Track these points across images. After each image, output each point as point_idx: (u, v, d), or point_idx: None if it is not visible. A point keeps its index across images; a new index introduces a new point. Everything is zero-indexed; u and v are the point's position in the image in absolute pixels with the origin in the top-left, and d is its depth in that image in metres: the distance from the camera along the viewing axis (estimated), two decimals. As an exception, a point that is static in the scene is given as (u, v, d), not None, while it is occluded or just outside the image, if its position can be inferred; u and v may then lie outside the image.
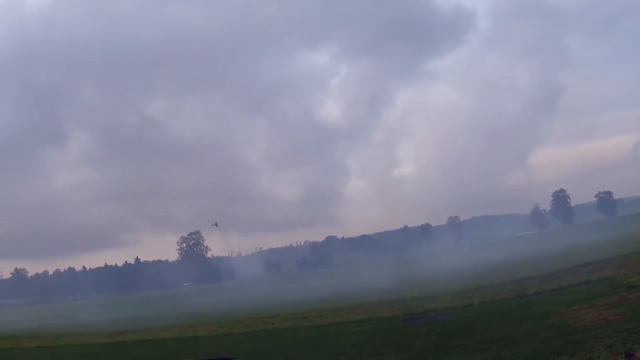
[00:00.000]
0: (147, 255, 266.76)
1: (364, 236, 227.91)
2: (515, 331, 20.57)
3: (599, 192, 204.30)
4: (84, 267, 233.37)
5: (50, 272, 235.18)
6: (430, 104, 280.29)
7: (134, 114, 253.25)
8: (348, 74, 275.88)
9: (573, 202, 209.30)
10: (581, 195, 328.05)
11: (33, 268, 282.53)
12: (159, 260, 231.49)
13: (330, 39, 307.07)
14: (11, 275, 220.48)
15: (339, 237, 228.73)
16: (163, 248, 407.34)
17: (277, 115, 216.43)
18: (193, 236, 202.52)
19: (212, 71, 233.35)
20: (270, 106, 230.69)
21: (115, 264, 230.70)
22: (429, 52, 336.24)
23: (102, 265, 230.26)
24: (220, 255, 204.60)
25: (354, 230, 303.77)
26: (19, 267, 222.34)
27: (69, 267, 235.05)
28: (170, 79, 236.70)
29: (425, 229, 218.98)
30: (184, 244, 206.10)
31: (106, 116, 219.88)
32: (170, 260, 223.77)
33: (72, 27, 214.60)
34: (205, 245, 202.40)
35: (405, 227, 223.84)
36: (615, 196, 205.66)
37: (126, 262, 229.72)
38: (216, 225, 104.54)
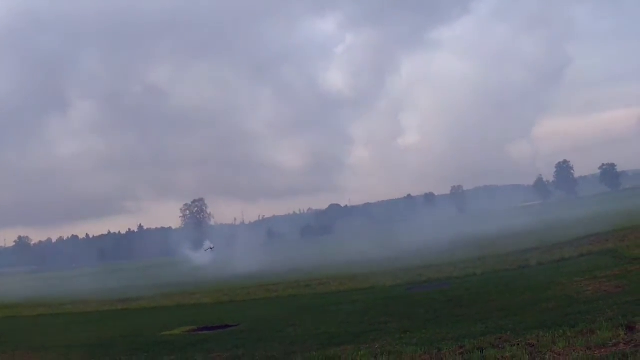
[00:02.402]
0: (150, 223, 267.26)
1: (367, 204, 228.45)
2: (516, 302, 20.64)
3: (603, 164, 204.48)
4: (87, 235, 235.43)
5: (54, 240, 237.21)
6: (435, 73, 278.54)
7: (137, 82, 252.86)
8: (353, 43, 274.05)
9: (576, 173, 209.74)
10: (585, 167, 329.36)
11: (36, 236, 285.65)
12: (162, 228, 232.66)
13: (336, 6, 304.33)
14: (14, 243, 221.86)
15: (342, 205, 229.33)
16: (166, 215, 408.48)
17: (281, 83, 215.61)
18: (197, 203, 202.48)
19: (216, 39, 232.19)
20: (275, 74, 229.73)
21: (119, 232, 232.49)
22: (435, 20, 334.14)
23: (105, 232, 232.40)
24: (224, 223, 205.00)
25: (357, 198, 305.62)
26: (22, 235, 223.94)
27: (72, 235, 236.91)
28: (174, 46, 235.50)
29: (428, 198, 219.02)
30: (188, 212, 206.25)
31: (109, 84, 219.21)
32: (174, 227, 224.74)
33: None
34: (208, 212, 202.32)
35: (409, 196, 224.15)
36: (619, 169, 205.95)
37: (129, 229, 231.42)
38: (211, 249, 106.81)
